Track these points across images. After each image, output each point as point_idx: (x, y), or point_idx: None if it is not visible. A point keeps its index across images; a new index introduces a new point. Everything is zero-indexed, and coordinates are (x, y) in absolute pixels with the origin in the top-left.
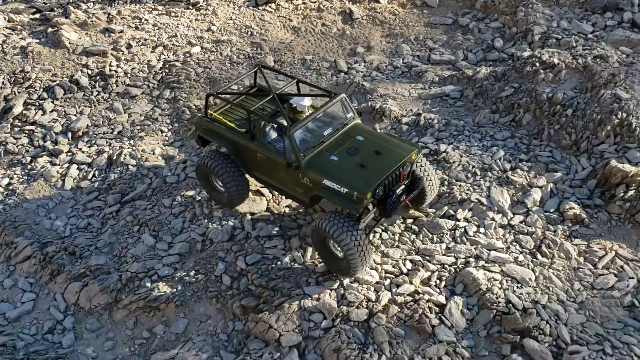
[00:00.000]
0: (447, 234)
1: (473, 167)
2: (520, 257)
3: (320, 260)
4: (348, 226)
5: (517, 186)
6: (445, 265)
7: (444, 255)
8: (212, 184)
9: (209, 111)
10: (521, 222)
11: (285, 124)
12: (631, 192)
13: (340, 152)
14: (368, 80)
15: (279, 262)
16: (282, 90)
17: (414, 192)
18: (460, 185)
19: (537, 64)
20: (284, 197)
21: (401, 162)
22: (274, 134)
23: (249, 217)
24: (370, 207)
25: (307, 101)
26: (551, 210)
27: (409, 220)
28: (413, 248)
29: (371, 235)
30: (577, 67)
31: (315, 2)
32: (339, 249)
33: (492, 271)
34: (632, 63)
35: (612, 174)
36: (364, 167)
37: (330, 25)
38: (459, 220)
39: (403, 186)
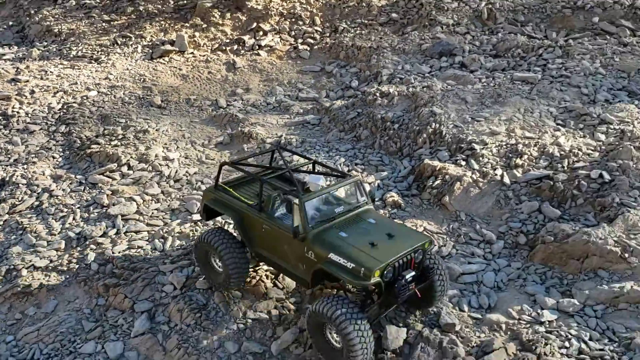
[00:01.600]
0: None
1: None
2: None
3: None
4: (352, 312)
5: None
6: None
7: None
8: (209, 262)
9: (219, 183)
10: None
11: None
12: (438, 182)
13: (350, 230)
14: (243, 112)
15: (142, 250)
16: (297, 167)
17: (426, 283)
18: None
19: (377, 94)
20: (285, 276)
21: (414, 247)
22: (283, 209)
23: (120, 218)
24: (375, 296)
25: (321, 181)
26: (377, 200)
27: None
28: None
29: None
30: (407, 94)
31: (204, 55)
32: (337, 338)
33: None
34: (450, 90)
35: (425, 169)
36: (374, 246)
37: (215, 73)
38: None
39: (413, 273)
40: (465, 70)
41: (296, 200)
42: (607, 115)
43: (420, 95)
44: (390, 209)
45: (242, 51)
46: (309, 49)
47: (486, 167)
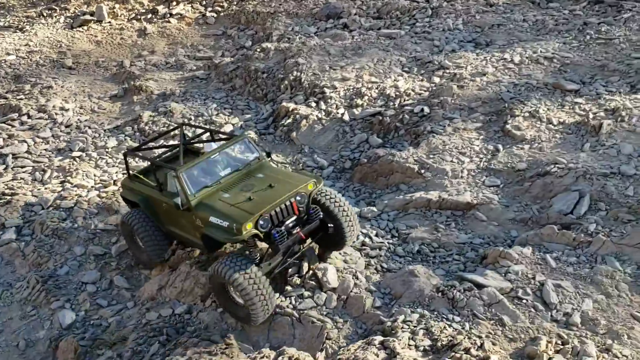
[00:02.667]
0: None
1: (190, 114)
2: None
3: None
4: (245, 268)
5: (217, 125)
6: None
7: None
8: (134, 240)
9: (131, 172)
10: None
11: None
12: (289, 120)
13: (233, 190)
14: (142, 71)
15: (23, 180)
16: (191, 140)
17: (311, 225)
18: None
19: (257, 49)
20: (190, 246)
21: (291, 192)
22: (172, 185)
23: (10, 157)
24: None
25: (214, 145)
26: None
27: None
28: None
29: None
30: (282, 49)
31: (120, 24)
32: (237, 294)
33: None
34: (320, 45)
35: (281, 111)
36: (250, 200)
37: (127, 39)
38: None
39: (295, 217)
40: (345, 30)
41: (174, 174)
42: (446, 62)
43: (291, 50)
44: None
45: (155, 19)
46: (215, 15)
47: (331, 108)
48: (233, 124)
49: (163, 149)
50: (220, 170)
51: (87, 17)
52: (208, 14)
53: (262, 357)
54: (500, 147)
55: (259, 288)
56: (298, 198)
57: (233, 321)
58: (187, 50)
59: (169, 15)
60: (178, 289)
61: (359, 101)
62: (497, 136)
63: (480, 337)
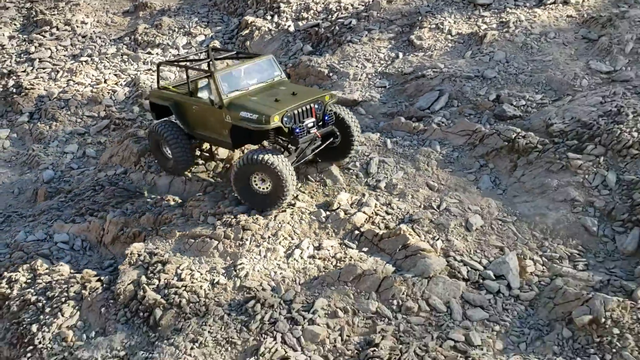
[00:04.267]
0: None
1: (174, 26)
2: None
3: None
4: (278, 156)
5: (194, 34)
6: None
7: None
8: (161, 150)
9: (161, 84)
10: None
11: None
12: (246, 32)
13: (260, 95)
14: None
15: (40, 76)
16: (219, 57)
17: (327, 128)
18: None
19: None
20: (216, 147)
21: (311, 98)
22: (206, 91)
23: (37, 61)
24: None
25: (237, 62)
26: (204, 46)
27: None
28: None
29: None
30: None
31: None
32: (263, 184)
33: None
34: None
35: (243, 23)
36: (277, 101)
37: None
38: None
39: (314, 120)
40: None
41: (211, 74)
42: None
43: None
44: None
45: None
46: None
47: (282, 20)
48: (205, 35)
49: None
50: (249, 80)
51: None
52: None
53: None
54: (400, 54)
55: (288, 168)
56: (316, 105)
57: (152, 178)
58: None
59: None
60: (120, 157)
61: (305, 14)
62: (403, 45)
63: (303, 192)
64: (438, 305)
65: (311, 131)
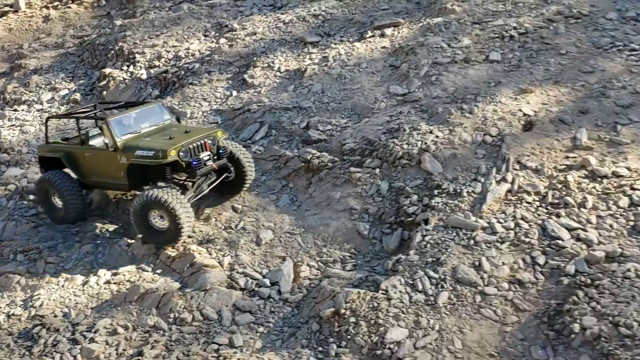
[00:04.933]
0: None
1: (42, 83)
2: None
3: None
4: (176, 195)
5: (58, 89)
6: None
7: None
8: (50, 200)
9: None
10: None
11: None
12: (104, 82)
13: (154, 136)
14: (32, 52)
15: None
16: (107, 107)
17: (222, 161)
18: None
19: (109, 26)
20: (113, 191)
21: (205, 134)
22: (98, 139)
23: None
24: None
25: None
26: (65, 99)
27: None
28: None
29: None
30: (121, 24)
31: (32, 12)
32: (162, 220)
33: None
34: (154, 19)
35: (102, 75)
36: (172, 139)
37: (33, 25)
38: None
39: (209, 153)
40: (185, 3)
41: (103, 120)
42: (236, 25)
43: (125, 25)
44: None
45: (60, 5)
46: None
47: (136, 70)
48: (69, 89)
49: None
50: (140, 124)
51: (7, 8)
52: None
53: None
54: (234, 92)
55: (183, 205)
56: (210, 141)
57: None
58: (75, 31)
59: (71, 1)
60: None
61: (157, 62)
62: (237, 84)
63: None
64: (210, 314)
65: (207, 163)
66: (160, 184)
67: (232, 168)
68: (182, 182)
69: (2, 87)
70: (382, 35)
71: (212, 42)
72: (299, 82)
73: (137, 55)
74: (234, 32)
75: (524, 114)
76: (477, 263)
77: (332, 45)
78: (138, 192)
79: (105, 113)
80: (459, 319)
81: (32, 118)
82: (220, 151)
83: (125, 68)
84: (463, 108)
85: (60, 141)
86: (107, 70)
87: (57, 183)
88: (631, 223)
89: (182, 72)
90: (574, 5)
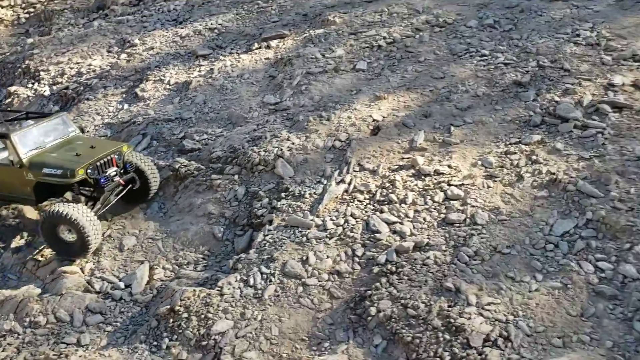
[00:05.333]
0: None
1: None
2: None
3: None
4: (83, 210)
5: None
6: None
7: None
8: None
9: None
10: None
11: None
12: (9, 100)
13: (59, 151)
14: None
15: None
16: (10, 118)
17: (128, 175)
18: None
19: (21, 44)
20: (19, 205)
21: (111, 150)
22: (2, 155)
23: None
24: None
25: (31, 122)
26: None
27: None
28: None
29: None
30: (32, 42)
31: None
32: (70, 234)
33: None
34: (62, 37)
35: (7, 93)
36: (79, 155)
37: None
38: None
39: (116, 169)
40: (102, 20)
41: (5, 136)
42: (136, 40)
43: (35, 42)
44: None
45: None
46: (27, 16)
47: (40, 87)
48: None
49: None
50: (44, 139)
51: None
52: (22, 15)
53: None
54: (126, 105)
55: (90, 220)
56: (116, 156)
57: None
58: None
59: None
60: None
61: (60, 79)
62: (130, 98)
63: None
64: (63, 316)
65: (114, 179)
66: (67, 197)
67: (137, 178)
68: (89, 195)
69: None
70: (268, 47)
71: (114, 57)
72: (184, 94)
73: (42, 72)
74: (134, 48)
75: (373, 120)
76: (304, 257)
77: (221, 57)
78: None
79: (9, 128)
80: (280, 308)
81: None
82: (127, 166)
83: (30, 85)
84: (322, 115)
85: None
86: (13, 88)
87: None
88: (442, 215)
89: (82, 88)
90: (441, 15)
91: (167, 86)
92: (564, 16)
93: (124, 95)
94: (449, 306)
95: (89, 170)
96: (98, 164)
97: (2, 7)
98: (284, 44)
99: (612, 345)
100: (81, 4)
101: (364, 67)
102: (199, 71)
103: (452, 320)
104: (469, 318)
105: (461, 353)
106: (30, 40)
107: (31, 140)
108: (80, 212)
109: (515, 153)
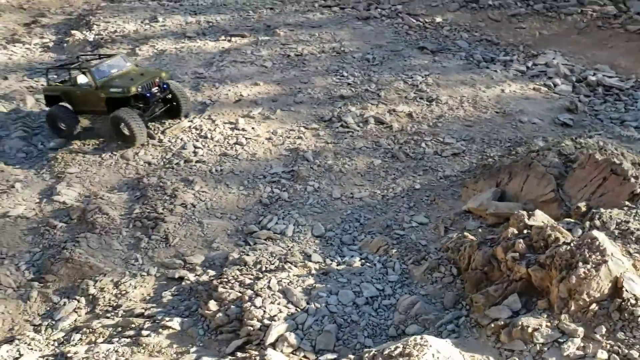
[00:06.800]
0: None
1: None
2: None
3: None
4: (133, 114)
5: None
6: None
7: None
8: (56, 124)
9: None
10: None
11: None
12: None
13: (120, 77)
14: None
15: None
16: (86, 58)
17: (166, 93)
18: None
19: None
20: (98, 115)
21: (153, 75)
22: (83, 79)
23: None
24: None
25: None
26: None
27: None
28: None
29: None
30: None
31: None
32: (126, 128)
33: None
34: None
35: None
36: (132, 80)
37: None
38: None
39: (157, 88)
40: None
41: (87, 69)
42: (160, 18)
43: None
44: None
45: None
46: None
47: (88, 34)
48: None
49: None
50: (110, 70)
51: None
52: None
53: None
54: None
55: (137, 122)
56: (157, 79)
57: None
58: None
59: None
60: None
61: (102, 32)
62: (130, 55)
63: None
64: None
65: (157, 95)
66: (125, 108)
67: (174, 98)
68: (141, 107)
69: None
70: (229, 40)
71: (140, 26)
72: (159, 57)
73: (94, 25)
74: (155, 22)
75: (240, 95)
76: None
77: (198, 40)
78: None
79: (88, 64)
80: None
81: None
82: (164, 86)
83: (84, 32)
84: (215, 85)
85: (57, 84)
86: (73, 32)
87: (60, 113)
88: (224, 150)
89: (109, 40)
90: (345, 47)
91: (154, 51)
92: (418, 64)
93: (127, 52)
94: None
95: (139, 89)
96: (145, 84)
97: None
98: (239, 41)
99: None
100: None
101: (269, 65)
102: (177, 46)
103: None
104: None
105: None
106: (100, 3)
107: (102, 71)
108: (131, 116)
109: (296, 132)
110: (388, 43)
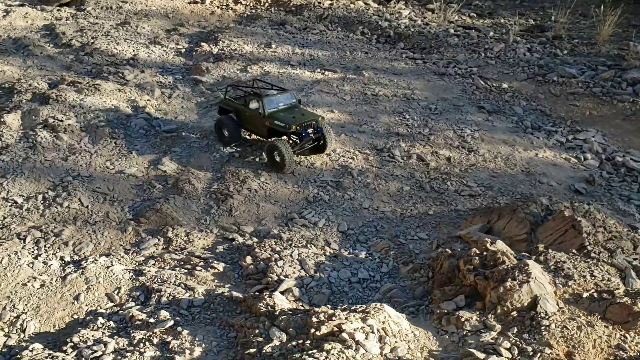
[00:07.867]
0: None
1: None
2: None
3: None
4: (286, 146)
5: None
6: None
7: None
8: (222, 131)
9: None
10: None
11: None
12: None
13: (285, 113)
14: None
15: None
16: (262, 87)
17: (318, 135)
18: None
19: None
20: (256, 136)
21: (312, 118)
22: (254, 105)
23: None
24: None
25: (273, 92)
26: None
27: None
28: None
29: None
30: None
31: None
32: (279, 156)
33: None
34: None
35: None
36: (294, 118)
37: None
38: None
39: (312, 129)
40: None
41: (260, 98)
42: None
43: None
44: None
45: None
46: None
47: (213, 48)
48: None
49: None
50: (279, 104)
51: None
52: (245, 11)
53: None
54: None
55: (289, 153)
56: (314, 122)
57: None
58: None
59: None
60: None
61: (217, 47)
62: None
63: None
64: None
65: (310, 136)
66: (282, 138)
67: (322, 139)
68: (295, 140)
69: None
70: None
71: (257, 49)
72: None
73: (219, 41)
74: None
75: None
76: None
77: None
78: (270, 140)
79: (262, 92)
80: None
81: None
82: (319, 129)
83: (211, 46)
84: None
85: (233, 100)
86: (203, 44)
87: (227, 122)
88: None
89: (221, 55)
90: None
91: (261, 71)
92: (471, 120)
93: (240, 69)
94: None
95: (298, 127)
96: (304, 124)
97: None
98: (330, 75)
99: None
100: (270, 15)
101: (347, 98)
102: (280, 70)
103: None
104: None
105: None
106: (230, 23)
107: (272, 103)
108: (285, 147)
109: (351, 153)
110: (453, 98)
